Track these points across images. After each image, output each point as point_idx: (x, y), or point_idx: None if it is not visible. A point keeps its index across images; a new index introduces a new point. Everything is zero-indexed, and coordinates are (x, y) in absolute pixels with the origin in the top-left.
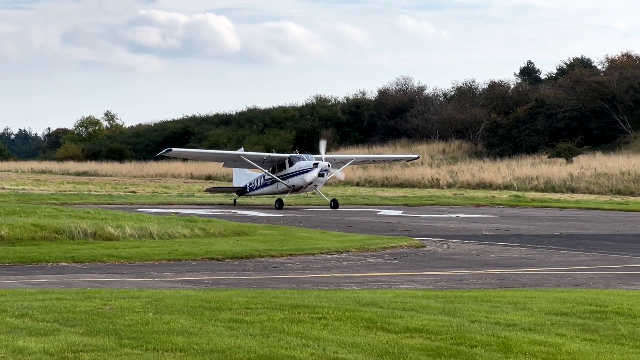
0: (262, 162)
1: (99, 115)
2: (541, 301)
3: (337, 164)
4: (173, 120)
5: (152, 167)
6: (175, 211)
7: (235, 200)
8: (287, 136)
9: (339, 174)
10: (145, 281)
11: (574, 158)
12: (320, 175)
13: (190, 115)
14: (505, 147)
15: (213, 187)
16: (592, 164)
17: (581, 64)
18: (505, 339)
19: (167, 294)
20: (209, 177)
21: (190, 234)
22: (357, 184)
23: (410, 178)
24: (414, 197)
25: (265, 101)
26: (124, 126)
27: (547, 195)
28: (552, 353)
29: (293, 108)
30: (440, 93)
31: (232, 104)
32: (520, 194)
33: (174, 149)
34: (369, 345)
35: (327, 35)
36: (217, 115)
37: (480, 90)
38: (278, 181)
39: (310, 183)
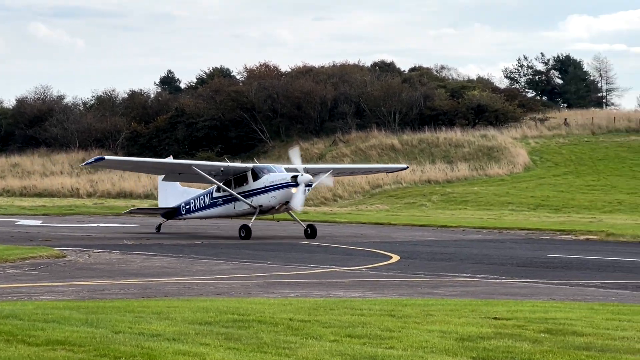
0: (219, 174)
1: None
2: (184, 310)
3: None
4: None
5: None
6: None
7: (159, 225)
8: None
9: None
10: None
11: None
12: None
13: None
14: (146, 156)
15: (136, 209)
16: None
17: (221, 74)
18: (150, 349)
19: None
20: None
21: None
22: None
23: (49, 187)
24: (54, 207)
25: None
26: None
27: None
28: None
29: None
30: (80, 102)
31: None
32: None
33: (107, 157)
34: None
35: None
36: None
37: (121, 99)
38: (238, 199)
39: (287, 202)
